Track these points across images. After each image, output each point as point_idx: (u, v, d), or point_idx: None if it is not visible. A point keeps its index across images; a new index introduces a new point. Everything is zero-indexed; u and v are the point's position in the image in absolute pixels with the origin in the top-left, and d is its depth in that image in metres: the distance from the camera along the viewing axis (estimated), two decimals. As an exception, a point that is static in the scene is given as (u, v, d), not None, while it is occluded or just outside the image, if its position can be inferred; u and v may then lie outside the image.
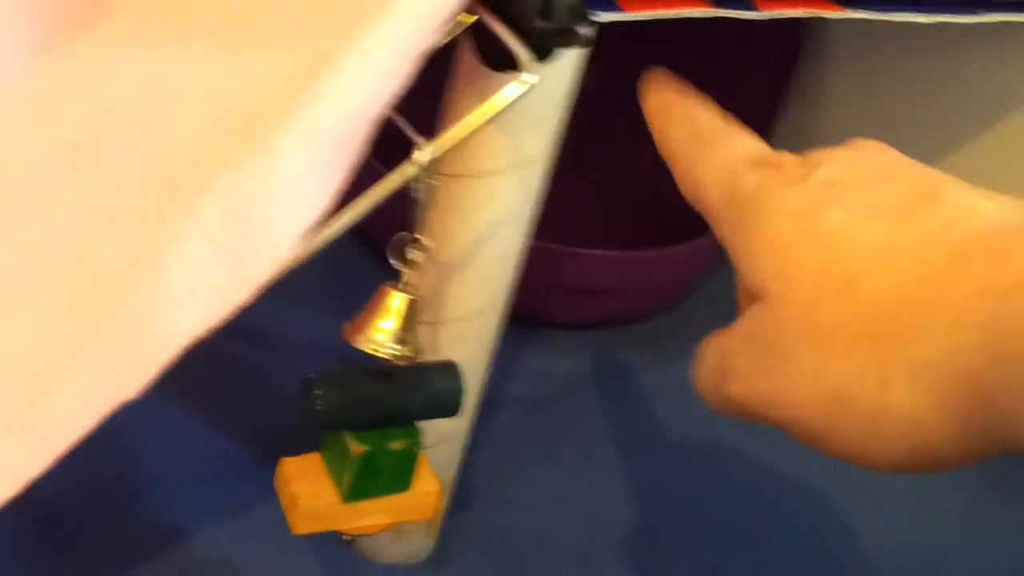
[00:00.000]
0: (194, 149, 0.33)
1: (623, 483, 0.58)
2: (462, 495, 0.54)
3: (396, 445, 0.37)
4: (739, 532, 0.57)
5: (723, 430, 0.61)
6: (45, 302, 0.31)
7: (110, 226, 0.32)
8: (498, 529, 0.55)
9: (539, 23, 0.34)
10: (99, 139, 0.35)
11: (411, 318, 0.36)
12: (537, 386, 0.62)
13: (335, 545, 0.52)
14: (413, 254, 0.36)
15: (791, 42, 0.73)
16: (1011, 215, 0.29)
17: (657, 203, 0.74)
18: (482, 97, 0.36)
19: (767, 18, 0.41)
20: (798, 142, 0.35)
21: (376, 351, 0.36)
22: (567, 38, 0.35)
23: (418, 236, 0.36)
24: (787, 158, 0.34)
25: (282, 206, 0.30)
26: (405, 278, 0.36)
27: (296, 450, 0.38)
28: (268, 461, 0.54)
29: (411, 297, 0.36)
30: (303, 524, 0.37)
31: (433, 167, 0.34)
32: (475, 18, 0.34)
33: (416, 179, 0.34)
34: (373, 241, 0.63)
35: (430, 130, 0.35)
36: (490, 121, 0.34)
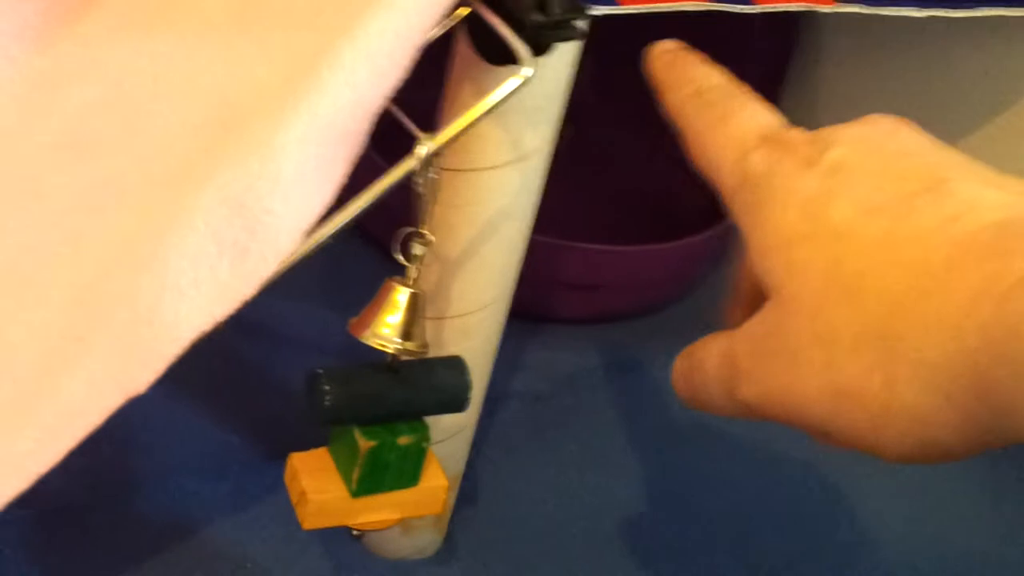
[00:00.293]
0: (191, 141, 0.33)
1: (628, 477, 0.58)
2: (468, 490, 0.54)
3: (404, 440, 0.37)
4: (743, 525, 0.57)
5: (726, 424, 0.61)
6: (47, 297, 0.31)
7: (109, 219, 0.32)
8: (504, 523, 0.55)
9: (536, 17, 0.34)
10: (94, 132, 0.35)
11: (417, 313, 0.36)
12: (540, 381, 0.62)
13: (343, 540, 0.52)
14: (417, 248, 0.36)
15: (785, 37, 0.73)
16: (1014, 208, 0.29)
17: (659, 198, 0.74)
18: (480, 91, 0.37)
19: (761, 12, 0.41)
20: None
21: (383, 346, 0.36)
22: (563, 32, 0.35)
23: (421, 230, 0.36)
24: (797, 136, 0.33)
25: (285, 200, 0.30)
26: (410, 273, 0.36)
27: (301, 445, 0.38)
28: (274, 456, 0.54)
29: (416, 292, 0.36)
30: (312, 519, 0.37)
31: (434, 161, 0.34)
32: (469, 11, 0.34)
33: (417, 173, 0.34)
34: (372, 236, 0.63)
35: (428, 121, 0.35)
36: (489, 115, 0.34)
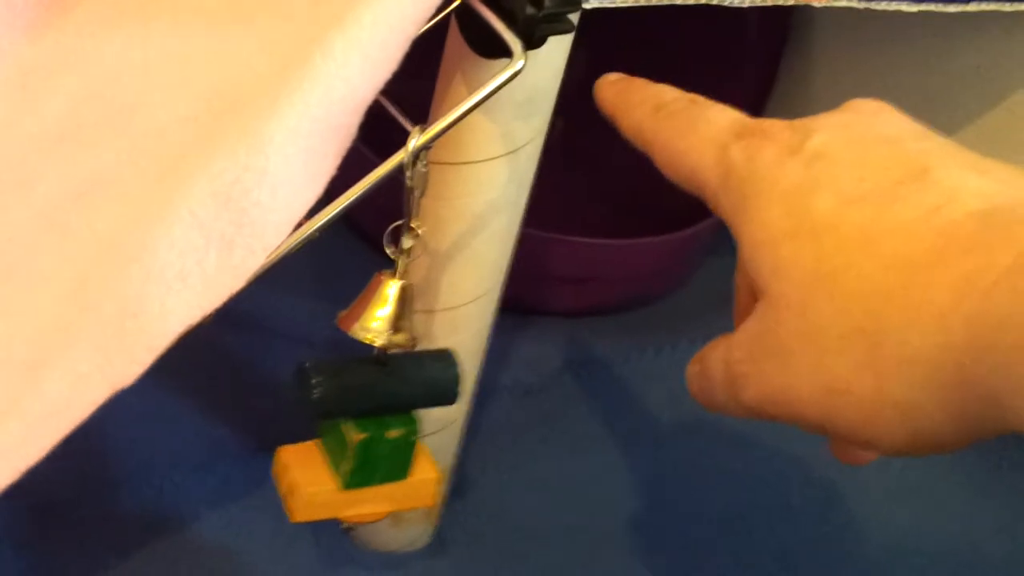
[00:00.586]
0: (182, 133, 0.33)
1: (618, 469, 0.58)
2: (458, 483, 0.54)
3: (394, 433, 0.37)
4: (733, 517, 0.57)
5: (716, 417, 0.60)
6: (33, 288, 0.31)
7: (97, 210, 0.32)
8: (495, 516, 0.55)
9: (528, 10, 0.34)
10: (83, 123, 0.35)
11: (406, 306, 0.36)
12: (530, 374, 0.62)
13: (332, 533, 0.52)
14: (406, 242, 0.36)
15: (778, 33, 0.73)
16: (997, 197, 0.29)
17: (650, 192, 0.74)
18: (471, 84, 0.36)
19: (752, 6, 0.41)
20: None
21: (372, 340, 0.36)
22: (555, 25, 0.35)
23: (411, 223, 0.36)
24: (775, 124, 0.33)
25: (273, 192, 0.30)
26: (399, 266, 0.36)
27: (290, 438, 0.38)
28: (262, 449, 0.54)
29: (405, 285, 0.36)
30: (302, 512, 0.37)
31: (424, 154, 0.34)
32: (460, 3, 0.34)
33: (408, 166, 0.34)
34: (361, 228, 0.63)
35: (419, 114, 0.35)
36: (480, 108, 0.34)
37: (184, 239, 0.29)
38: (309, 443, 0.38)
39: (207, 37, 0.35)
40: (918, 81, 0.63)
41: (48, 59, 0.37)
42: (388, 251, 0.36)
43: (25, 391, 0.29)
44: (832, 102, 0.34)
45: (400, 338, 0.36)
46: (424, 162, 0.34)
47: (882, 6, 0.43)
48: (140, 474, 0.52)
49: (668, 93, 0.37)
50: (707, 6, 0.41)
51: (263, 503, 0.52)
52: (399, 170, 0.34)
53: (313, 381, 0.36)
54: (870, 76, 0.67)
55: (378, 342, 0.36)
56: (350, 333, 0.36)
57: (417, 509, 0.49)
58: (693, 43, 0.71)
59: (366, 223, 0.61)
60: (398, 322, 0.36)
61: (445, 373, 0.38)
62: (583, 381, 0.62)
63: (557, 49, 0.38)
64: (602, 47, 0.62)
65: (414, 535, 0.52)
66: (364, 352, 0.37)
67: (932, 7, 0.44)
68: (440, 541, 0.53)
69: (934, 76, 0.63)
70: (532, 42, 0.34)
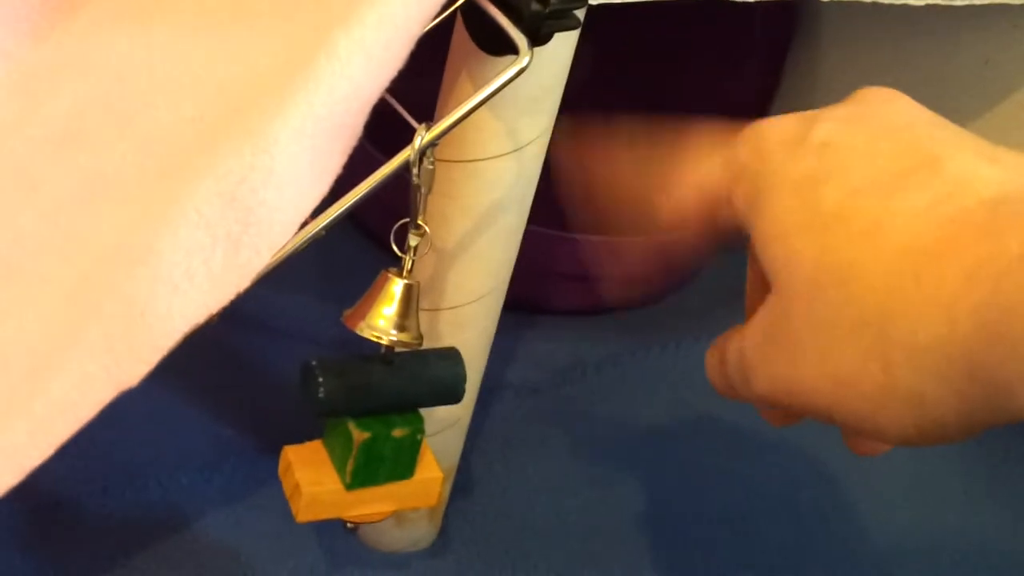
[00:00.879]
0: (187, 133, 0.33)
1: (623, 468, 0.58)
2: (463, 482, 0.54)
3: (399, 432, 0.37)
4: (738, 516, 0.57)
5: (720, 416, 0.61)
6: (40, 288, 0.31)
7: (102, 212, 0.32)
8: (499, 516, 0.55)
9: (534, 6, 0.34)
10: (89, 125, 0.35)
11: (412, 304, 0.36)
12: (536, 373, 0.62)
13: (337, 533, 0.52)
14: (412, 239, 0.36)
15: (784, 28, 0.73)
16: (1007, 185, 0.29)
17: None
18: (477, 81, 0.36)
19: (759, 0, 0.41)
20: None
21: (378, 338, 0.36)
22: (561, 21, 0.35)
23: (417, 221, 0.36)
24: (781, 120, 0.33)
25: (279, 191, 0.30)
26: (405, 264, 0.36)
27: (295, 438, 0.38)
28: (268, 449, 0.54)
29: (411, 283, 0.36)
30: (306, 512, 0.37)
31: (430, 152, 0.34)
32: (466, 0, 0.34)
33: (414, 164, 0.34)
34: (367, 227, 0.63)
35: (425, 112, 0.35)
36: (485, 105, 0.34)
37: (190, 239, 0.29)
38: (314, 443, 0.38)
39: (211, 38, 0.35)
40: (925, 75, 0.63)
41: (52, 61, 0.37)
42: (393, 248, 0.36)
43: (31, 391, 0.29)
44: (838, 97, 0.34)
45: (406, 336, 0.36)
46: (430, 159, 0.34)
47: (889, 0, 0.43)
48: (146, 474, 0.52)
49: (643, 142, 0.37)
50: (713, 2, 0.41)
51: (269, 503, 0.52)
52: (405, 168, 0.34)
53: (319, 379, 0.36)
54: (876, 71, 0.66)
55: (384, 340, 0.36)
56: (356, 331, 0.36)
57: (421, 509, 0.49)
58: (699, 40, 0.71)
59: (372, 222, 0.61)
60: (404, 320, 0.36)
61: (451, 371, 0.38)
62: (589, 380, 0.62)
63: (563, 46, 0.37)
64: (608, 44, 0.62)
65: (418, 535, 0.52)
66: (371, 351, 0.37)
67: (939, 0, 0.44)
68: (444, 541, 0.53)
69: (941, 70, 0.62)
70: (538, 39, 0.34)
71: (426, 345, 0.38)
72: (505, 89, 0.34)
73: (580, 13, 0.35)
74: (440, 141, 0.34)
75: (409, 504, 0.40)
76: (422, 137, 0.33)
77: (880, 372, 0.29)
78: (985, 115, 0.61)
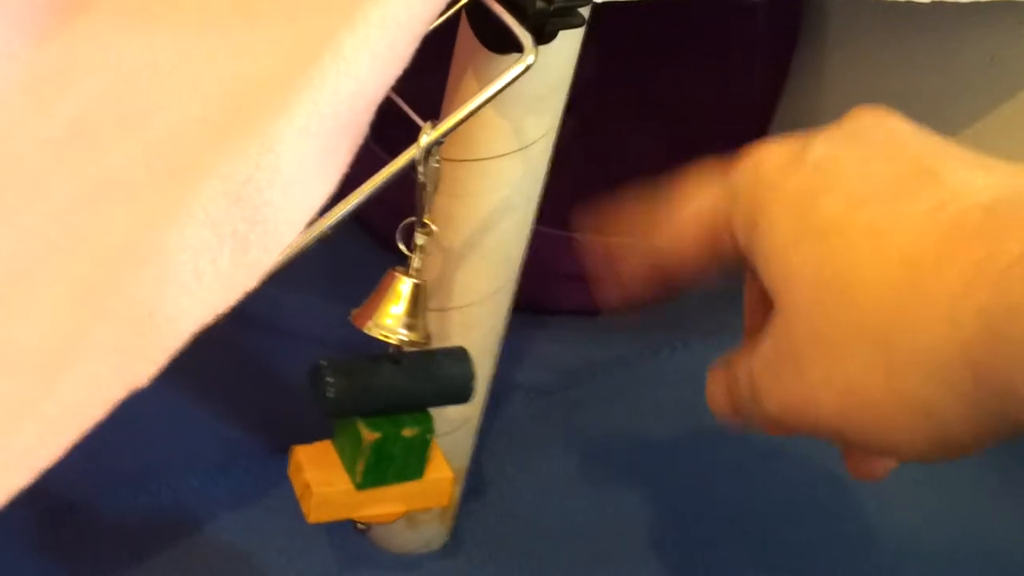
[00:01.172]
0: (194, 133, 0.33)
1: (632, 470, 0.58)
2: (474, 484, 0.54)
3: (409, 432, 0.37)
4: (746, 517, 0.57)
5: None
6: (47, 289, 0.31)
7: (109, 211, 0.32)
8: (510, 517, 0.54)
9: (538, 4, 0.34)
10: (97, 125, 0.35)
11: (420, 303, 0.36)
12: (545, 374, 0.62)
13: (349, 534, 0.52)
14: (419, 238, 0.36)
15: (789, 26, 0.73)
16: (1003, 190, 0.28)
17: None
18: (483, 80, 0.36)
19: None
20: (798, 126, 0.35)
21: (386, 337, 0.36)
22: (566, 19, 0.35)
23: (424, 220, 0.36)
24: (774, 144, 0.33)
25: (285, 191, 0.30)
26: (412, 263, 0.36)
27: (305, 438, 0.38)
28: (277, 450, 0.54)
29: (419, 282, 0.36)
30: (317, 512, 0.37)
31: (436, 151, 0.34)
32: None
33: (420, 162, 0.34)
34: (374, 228, 0.63)
35: (431, 112, 0.35)
36: (491, 103, 0.34)
37: (197, 238, 0.29)
38: (324, 443, 0.38)
39: (217, 38, 0.35)
40: (930, 72, 0.63)
41: (59, 62, 0.37)
42: (400, 247, 0.36)
43: (41, 392, 0.29)
44: (844, 96, 0.34)
45: (414, 335, 0.36)
46: (436, 158, 0.34)
47: (894, -4, 0.43)
48: (156, 476, 0.52)
49: (643, 208, 0.37)
50: (718, 0, 0.41)
51: (279, 504, 0.52)
52: (411, 167, 0.34)
53: (328, 380, 0.36)
54: (882, 70, 0.66)
55: (392, 339, 0.36)
56: (364, 330, 0.36)
57: (432, 510, 0.49)
58: (704, 40, 0.71)
59: (378, 222, 0.61)
60: (412, 319, 0.36)
61: (460, 370, 0.38)
62: (598, 380, 0.62)
63: (568, 44, 0.38)
64: (612, 44, 0.62)
65: (429, 536, 0.52)
66: (379, 351, 0.37)
67: (944, -3, 0.44)
68: (456, 542, 0.53)
69: (947, 67, 0.62)
70: (543, 36, 0.34)
71: (435, 345, 0.38)
72: (510, 87, 0.34)
73: (585, 11, 0.35)
74: (446, 140, 0.34)
75: (420, 504, 0.39)
76: (428, 135, 0.33)
77: (885, 382, 0.28)
78: (991, 112, 0.61)
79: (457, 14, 0.35)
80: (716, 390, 0.35)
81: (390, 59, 0.31)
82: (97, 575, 0.48)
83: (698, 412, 0.60)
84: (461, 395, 0.38)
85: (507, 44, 0.34)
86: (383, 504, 0.38)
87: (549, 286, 0.64)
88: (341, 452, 0.38)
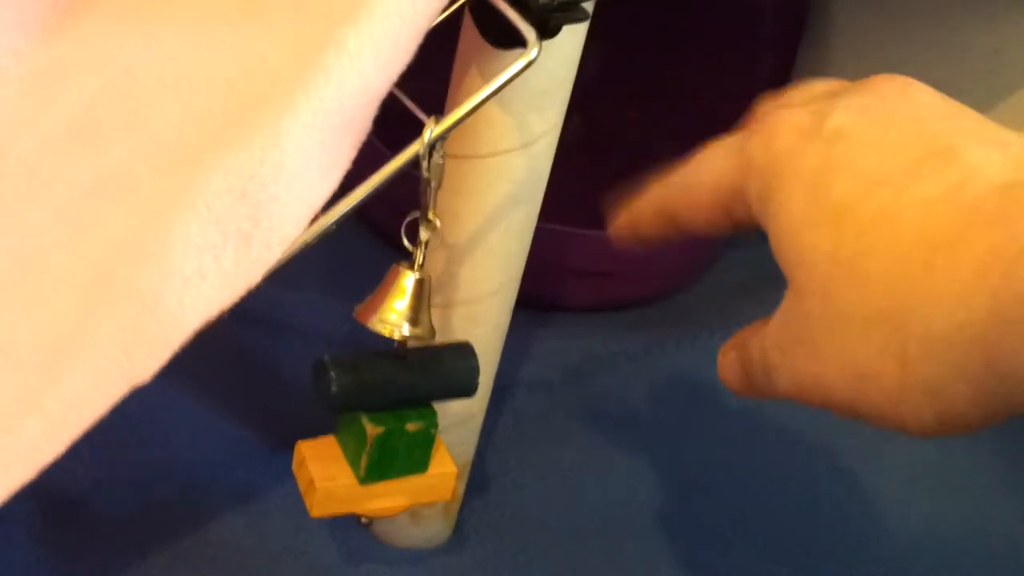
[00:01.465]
0: (197, 130, 0.33)
1: (639, 466, 0.58)
2: (478, 479, 0.54)
3: (413, 426, 0.37)
4: (754, 511, 0.57)
5: (736, 411, 0.61)
6: (52, 286, 0.31)
7: (113, 207, 0.32)
8: (515, 513, 0.54)
9: (542, -1, 0.34)
10: (101, 122, 0.35)
11: (424, 298, 0.36)
12: (550, 370, 0.62)
13: (353, 529, 0.52)
14: (423, 233, 0.36)
15: (795, 21, 0.73)
16: (1019, 170, 0.28)
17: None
18: (486, 75, 0.36)
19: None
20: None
21: (390, 332, 0.36)
22: (569, 13, 0.35)
23: (428, 215, 0.36)
24: (789, 106, 0.33)
25: (289, 186, 0.30)
26: (416, 258, 0.36)
27: (308, 433, 0.38)
28: (281, 445, 0.54)
29: (422, 277, 0.36)
30: (321, 507, 0.37)
31: (440, 146, 0.34)
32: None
33: (423, 158, 0.34)
34: (377, 225, 0.63)
35: (435, 108, 0.35)
36: (495, 99, 0.34)
37: (201, 234, 0.29)
38: (328, 437, 0.38)
39: (221, 34, 0.35)
40: (935, 65, 0.63)
41: (63, 59, 0.37)
42: (404, 242, 0.36)
43: (44, 387, 0.29)
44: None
45: (418, 330, 0.36)
46: (440, 153, 0.34)
47: (900, -10, 0.43)
48: (159, 473, 0.52)
49: (658, 176, 0.37)
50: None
51: (283, 500, 0.52)
52: (414, 164, 0.34)
53: (332, 375, 0.36)
54: (887, 64, 0.66)
55: (396, 334, 0.36)
56: (368, 325, 0.36)
57: (435, 505, 0.49)
58: (708, 35, 0.71)
59: (381, 218, 0.61)
60: (416, 314, 0.36)
61: (464, 365, 0.38)
62: (602, 376, 0.62)
63: (572, 39, 0.37)
64: (616, 39, 0.62)
65: (433, 531, 0.52)
66: (383, 347, 0.37)
67: (951, -10, 0.44)
68: (460, 537, 0.53)
69: (951, 61, 0.62)
70: (546, 31, 0.34)
71: (439, 341, 0.38)
72: (514, 83, 0.34)
73: (588, 6, 0.35)
74: (450, 136, 0.34)
75: (424, 499, 0.40)
76: (431, 131, 0.33)
77: (898, 365, 0.28)
78: (995, 105, 0.61)
79: (461, 9, 0.35)
80: (728, 366, 0.36)
81: (394, 54, 0.31)
82: (101, 572, 0.48)
83: (703, 407, 0.60)
84: (466, 389, 0.38)
85: (511, 39, 0.34)
86: (387, 498, 0.38)
87: (553, 282, 0.64)
88: (345, 447, 0.38)
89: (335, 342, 0.57)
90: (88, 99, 0.35)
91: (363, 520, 0.39)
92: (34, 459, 0.28)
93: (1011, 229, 0.27)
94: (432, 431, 0.38)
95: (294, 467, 0.38)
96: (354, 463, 0.37)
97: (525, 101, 0.38)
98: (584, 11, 0.35)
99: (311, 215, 0.31)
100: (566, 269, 0.63)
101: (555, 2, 0.34)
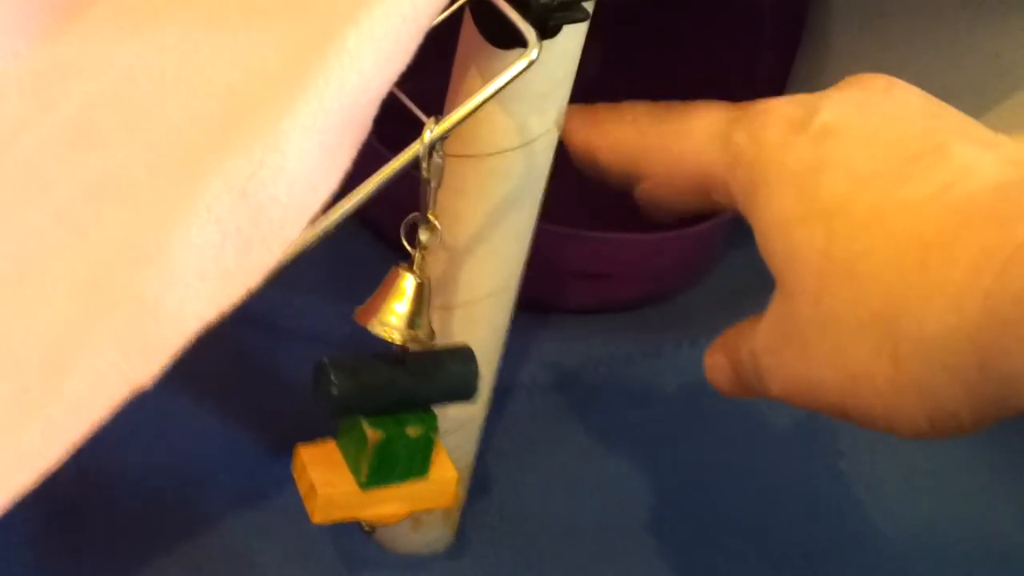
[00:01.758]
0: (198, 132, 0.33)
1: (638, 467, 0.58)
2: (478, 484, 0.54)
3: (413, 431, 0.37)
4: (753, 513, 0.57)
5: (734, 413, 0.60)
6: (51, 288, 0.31)
7: (113, 210, 0.32)
8: (516, 517, 0.54)
9: (542, -2, 0.34)
10: (100, 124, 0.35)
11: (424, 301, 0.36)
12: (550, 372, 0.62)
13: (354, 535, 0.51)
14: (422, 235, 0.36)
15: (794, 23, 0.73)
16: (1011, 171, 0.28)
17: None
18: (486, 75, 0.36)
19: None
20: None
21: (390, 335, 0.35)
22: (569, 13, 0.35)
23: (428, 216, 0.36)
24: (776, 100, 0.33)
25: (289, 188, 0.30)
26: (416, 259, 0.36)
27: (307, 437, 0.38)
28: (281, 450, 0.53)
29: (422, 279, 0.36)
30: (322, 513, 0.37)
31: (440, 146, 0.34)
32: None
33: (423, 159, 0.33)
34: (375, 224, 0.63)
35: (434, 109, 0.35)
36: (495, 99, 0.34)
37: (201, 236, 0.29)
38: (328, 442, 0.38)
39: (221, 37, 0.35)
40: (936, 68, 0.63)
41: (64, 62, 0.37)
42: (404, 244, 0.36)
43: (45, 393, 0.29)
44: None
45: (418, 333, 0.36)
46: (440, 153, 0.34)
47: (902, -11, 0.43)
48: (159, 477, 0.52)
49: (640, 106, 0.36)
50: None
51: (283, 504, 0.51)
52: (414, 164, 0.34)
53: (332, 378, 0.35)
54: (887, 67, 0.66)
55: (396, 337, 0.35)
56: (368, 328, 0.35)
57: (436, 511, 0.49)
58: (708, 35, 0.71)
59: (381, 220, 0.61)
60: (416, 316, 0.36)
61: (464, 368, 0.38)
62: (603, 378, 0.62)
63: (572, 39, 0.37)
64: (615, 40, 0.62)
65: (434, 537, 0.52)
66: (382, 349, 0.37)
67: (952, -9, 0.44)
68: (461, 543, 0.53)
69: (953, 64, 0.62)
70: (547, 31, 0.34)
71: (439, 343, 0.38)
72: (514, 83, 0.33)
73: (588, 5, 0.35)
74: (449, 136, 0.34)
75: (425, 504, 0.39)
76: (431, 131, 0.33)
77: (890, 367, 0.28)
78: (995, 109, 0.60)
79: (461, 9, 0.35)
80: (716, 368, 0.35)
81: (394, 53, 0.31)
82: (100, 573, 0.48)
83: (703, 409, 0.60)
84: (466, 393, 0.38)
85: (511, 39, 0.34)
86: (388, 504, 0.38)
87: (554, 284, 0.63)
88: (345, 452, 0.37)
89: (334, 344, 0.57)
90: (88, 102, 0.35)
91: (366, 528, 0.39)
92: (35, 465, 0.28)
93: (1005, 229, 0.27)
94: (433, 435, 0.38)
95: (294, 472, 0.38)
96: (355, 468, 0.37)
97: (525, 101, 0.38)
98: (584, 11, 0.35)
99: (312, 216, 0.31)
100: (566, 270, 0.63)
101: (555, 2, 0.34)
